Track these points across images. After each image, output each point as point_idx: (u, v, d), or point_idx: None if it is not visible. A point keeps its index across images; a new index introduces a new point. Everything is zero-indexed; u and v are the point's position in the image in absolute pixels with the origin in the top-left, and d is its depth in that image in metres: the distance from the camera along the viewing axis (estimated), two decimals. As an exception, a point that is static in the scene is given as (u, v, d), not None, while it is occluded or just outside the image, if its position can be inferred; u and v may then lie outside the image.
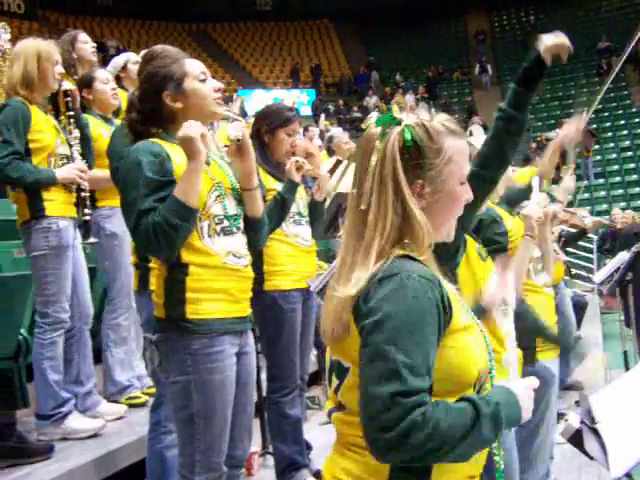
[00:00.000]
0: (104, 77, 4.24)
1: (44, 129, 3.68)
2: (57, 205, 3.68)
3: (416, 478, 1.45)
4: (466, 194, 1.55)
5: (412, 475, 1.44)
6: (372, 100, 26.26)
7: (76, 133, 3.82)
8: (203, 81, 2.56)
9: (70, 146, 3.79)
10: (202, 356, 2.44)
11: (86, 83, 4.19)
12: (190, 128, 2.37)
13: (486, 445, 1.46)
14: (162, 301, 2.49)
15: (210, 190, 2.50)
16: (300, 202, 3.75)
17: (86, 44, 4.48)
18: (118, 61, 4.65)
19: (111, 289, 4.21)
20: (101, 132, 4.07)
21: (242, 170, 2.63)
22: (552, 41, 2.14)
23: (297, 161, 3.41)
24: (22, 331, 4.05)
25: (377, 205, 1.46)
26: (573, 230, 8.20)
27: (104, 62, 6.02)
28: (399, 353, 1.35)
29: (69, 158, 3.77)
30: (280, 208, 3.19)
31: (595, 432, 1.78)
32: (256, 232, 2.68)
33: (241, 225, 2.61)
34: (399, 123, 1.49)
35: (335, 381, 1.54)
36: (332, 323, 1.48)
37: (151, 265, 2.96)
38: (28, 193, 3.63)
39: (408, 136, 1.47)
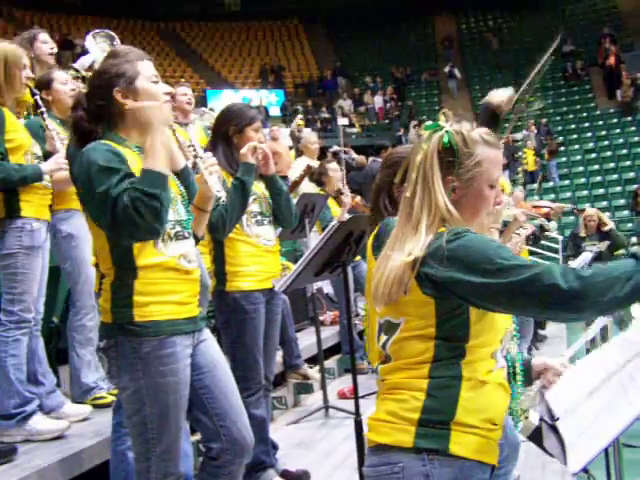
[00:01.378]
0: (63, 78, 4.17)
1: (18, 129, 3.67)
2: (33, 207, 3.68)
3: (444, 413, 1.72)
4: (496, 198, 1.85)
5: (440, 409, 1.73)
6: (346, 103, 26.14)
7: (53, 125, 3.81)
8: (155, 83, 2.56)
9: (52, 139, 3.81)
10: (153, 359, 2.40)
11: (45, 84, 4.12)
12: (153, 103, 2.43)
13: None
14: (109, 306, 2.44)
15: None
16: (263, 202, 3.75)
17: (45, 44, 4.38)
18: (84, 61, 4.59)
19: (73, 291, 4.17)
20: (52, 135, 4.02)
21: (204, 192, 2.70)
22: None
23: (255, 147, 3.43)
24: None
25: (422, 192, 1.79)
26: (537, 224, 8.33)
27: (73, 60, 5.93)
28: (505, 259, 1.64)
29: (40, 158, 3.77)
30: (240, 192, 3.19)
31: (554, 429, 1.81)
32: None
33: (191, 231, 2.61)
34: (442, 129, 1.83)
35: (383, 338, 1.85)
36: (389, 285, 1.76)
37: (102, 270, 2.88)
38: (6, 192, 3.62)
39: (446, 139, 1.81)
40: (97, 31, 4.97)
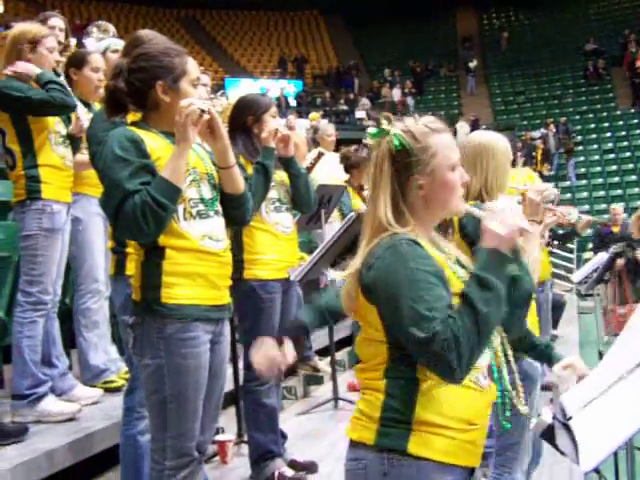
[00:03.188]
0: (96, 65, 4.10)
1: None
2: (53, 189, 3.70)
3: (403, 412, 1.71)
4: (461, 178, 1.82)
5: (399, 408, 1.71)
6: (363, 101, 26.00)
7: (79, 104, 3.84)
8: (195, 86, 2.57)
9: (78, 119, 3.82)
10: (175, 341, 2.44)
11: (76, 63, 4.08)
12: (185, 113, 2.39)
13: (498, 301, 1.65)
14: (138, 284, 2.49)
15: (185, 174, 2.48)
16: (280, 189, 3.75)
17: (52, 29, 4.26)
18: (99, 46, 4.57)
19: (78, 274, 4.19)
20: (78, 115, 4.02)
21: (216, 149, 2.60)
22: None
23: (276, 130, 3.42)
24: (-1, 312, 4.04)
25: (374, 201, 1.80)
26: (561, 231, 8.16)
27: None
28: (415, 301, 1.64)
29: (65, 138, 3.79)
30: (263, 176, 3.18)
31: (566, 427, 1.81)
32: (239, 209, 2.68)
33: (218, 209, 2.61)
34: (388, 133, 1.79)
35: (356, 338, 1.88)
36: (343, 295, 1.82)
37: (128, 250, 2.94)
38: (28, 174, 3.64)
39: (396, 142, 1.77)
40: (97, 23, 4.96)
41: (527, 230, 1.71)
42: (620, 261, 7.67)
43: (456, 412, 1.72)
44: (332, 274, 1.96)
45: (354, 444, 1.78)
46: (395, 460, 1.70)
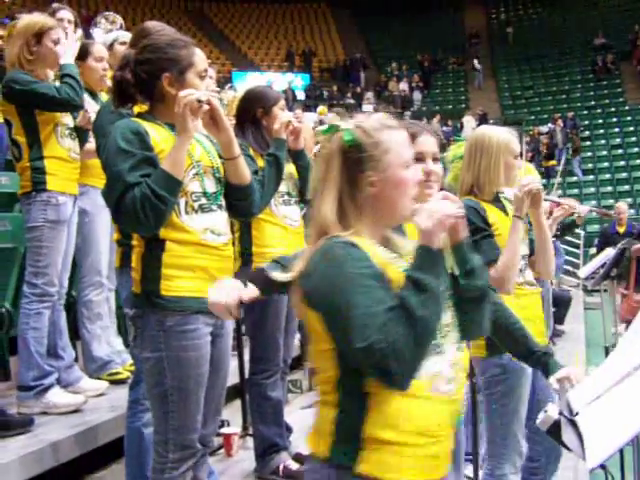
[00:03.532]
0: (99, 55, 4.12)
1: None
2: (59, 180, 3.72)
3: (354, 427, 1.63)
4: (415, 175, 1.74)
5: (350, 424, 1.63)
6: (367, 95, 25.94)
7: (85, 97, 3.84)
8: (202, 78, 2.56)
9: (85, 112, 3.82)
10: (175, 333, 2.44)
11: (79, 55, 4.02)
12: (183, 102, 2.38)
13: (436, 301, 1.57)
14: (139, 277, 2.50)
15: (188, 168, 2.49)
16: (289, 182, 3.74)
17: (60, 22, 4.25)
18: (107, 38, 4.57)
19: (82, 266, 4.20)
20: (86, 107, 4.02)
21: (221, 140, 2.59)
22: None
23: (289, 122, 3.42)
24: (5, 304, 4.04)
25: (320, 200, 1.71)
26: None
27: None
28: (350, 308, 1.56)
29: (72, 130, 3.81)
30: (275, 167, 3.18)
31: (573, 423, 1.80)
32: (246, 200, 2.68)
33: (222, 202, 2.60)
34: (338, 129, 1.73)
35: None
36: (294, 299, 1.72)
37: (134, 243, 2.95)
38: (33, 165, 3.65)
39: (347, 137, 1.70)
40: (105, 14, 4.96)
41: (456, 217, 1.65)
42: (638, 246, 7.55)
43: (413, 426, 1.63)
44: (277, 276, 1.90)
45: (312, 455, 1.73)
46: (347, 478, 1.64)
